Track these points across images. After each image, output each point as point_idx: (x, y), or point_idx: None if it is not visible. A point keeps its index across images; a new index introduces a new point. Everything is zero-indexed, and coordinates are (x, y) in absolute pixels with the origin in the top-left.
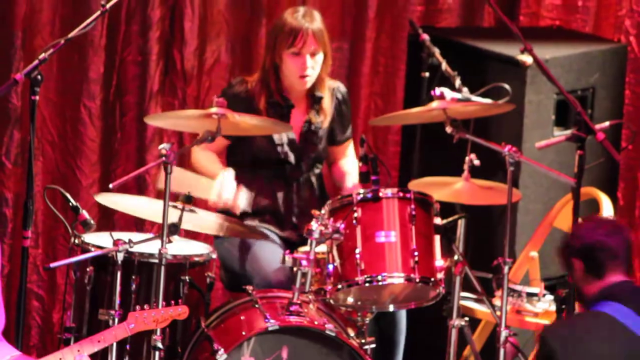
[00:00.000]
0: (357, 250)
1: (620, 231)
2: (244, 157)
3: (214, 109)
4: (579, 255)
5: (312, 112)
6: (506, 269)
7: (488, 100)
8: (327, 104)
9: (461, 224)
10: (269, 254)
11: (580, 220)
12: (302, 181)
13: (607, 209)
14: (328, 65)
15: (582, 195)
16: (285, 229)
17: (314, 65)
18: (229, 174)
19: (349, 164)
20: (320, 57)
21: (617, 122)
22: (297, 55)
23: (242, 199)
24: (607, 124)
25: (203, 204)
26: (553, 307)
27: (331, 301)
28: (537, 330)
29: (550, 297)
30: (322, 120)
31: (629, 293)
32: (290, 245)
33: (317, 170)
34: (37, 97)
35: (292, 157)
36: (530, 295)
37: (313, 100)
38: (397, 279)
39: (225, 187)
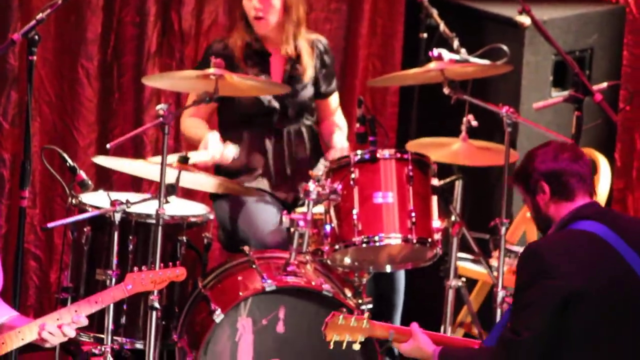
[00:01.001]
0: (355, 211)
1: (582, 155)
2: (233, 114)
3: (211, 70)
4: (547, 179)
5: (290, 62)
6: (503, 229)
7: (486, 62)
8: (307, 56)
9: (458, 184)
10: (266, 215)
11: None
12: (291, 131)
13: (604, 170)
14: (297, 18)
15: None
16: (280, 186)
17: (264, 8)
18: (214, 134)
19: (337, 120)
20: (275, 2)
21: (615, 83)
22: None
23: (230, 151)
24: (604, 85)
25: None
26: None
27: (328, 262)
28: None
29: None
30: (302, 70)
31: (599, 213)
32: (286, 206)
33: (307, 122)
34: (35, 58)
35: (276, 105)
36: None
37: (288, 51)
38: (394, 239)
39: (212, 146)
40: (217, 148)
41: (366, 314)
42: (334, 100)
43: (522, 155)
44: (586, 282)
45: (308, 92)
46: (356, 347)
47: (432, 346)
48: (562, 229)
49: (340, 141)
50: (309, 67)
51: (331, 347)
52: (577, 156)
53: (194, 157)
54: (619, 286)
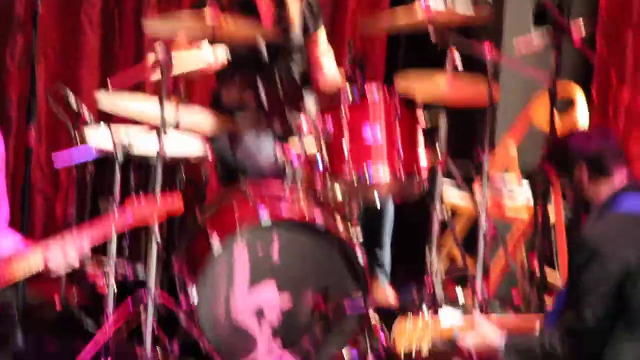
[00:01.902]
0: (345, 148)
1: (611, 135)
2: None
3: (206, 16)
4: (584, 161)
5: (278, 4)
6: (486, 161)
7: (469, 7)
8: None
9: (444, 121)
10: (262, 146)
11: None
12: (282, 69)
13: (581, 105)
14: None
15: (558, 92)
16: (273, 119)
17: None
18: (205, 42)
19: (323, 55)
20: None
21: (592, 23)
22: None
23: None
24: (582, 23)
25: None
26: (530, 196)
27: (320, 196)
28: (516, 220)
29: (527, 187)
30: (289, 11)
31: (637, 187)
32: (279, 137)
33: (296, 59)
34: (39, 5)
35: (266, 50)
36: (508, 185)
37: None
38: (383, 174)
39: (205, 51)
40: (210, 52)
41: (429, 317)
42: (321, 36)
43: (504, 91)
44: (638, 259)
45: (296, 34)
46: (425, 351)
47: (496, 334)
48: (606, 210)
49: (330, 68)
50: (296, 14)
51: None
52: (607, 135)
53: (192, 67)
54: None
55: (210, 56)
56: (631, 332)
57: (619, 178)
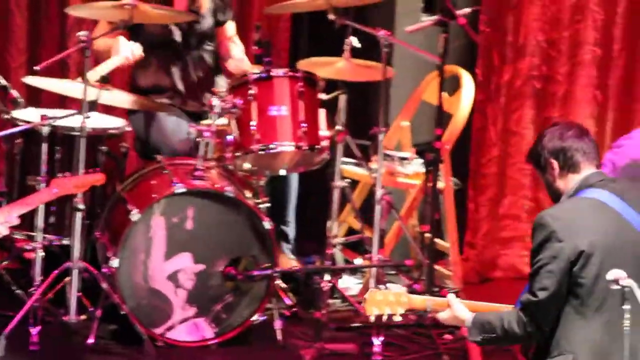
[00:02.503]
0: (253, 123)
1: (586, 132)
2: (140, 41)
3: (126, 0)
4: (554, 155)
5: None
6: (381, 136)
7: None
8: None
9: (343, 98)
10: (175, 126)
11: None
12: (194, 57)
13: (467, 84)
14: None
15: (446, 72)
16: (187, 102)
17: None
18: (121, 38)
19: (234, 44)
20: None
21: (476, 8)
22: None
23: (138, 47)
24: (467, 10)
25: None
26: (422, 169)
27: (230, 167)
28: (408, 188)
29: (419, 160)
30: (201, 2)
31: (603, 181)
32: (194, 117)
33: (208, 48)
34: None
35: (179, 35)
36: (402, 159)
37: None
38: (287, 147)
39: (122, 48)
40: (127, 48)
41: (404, 289)
42: (231, 27)
43: (397, 72)
44: (590, 243)
45: (207, 22)
46: (397, 318)
47: (467, 313)
48: (569, 198)
49: (237, 53)
50: (206, 1)
51: None
52: (581, 133)
53: (110, 63)
54: (622, 246)
55: (127, 51)
56: (581, 313)
57: (588, 174)
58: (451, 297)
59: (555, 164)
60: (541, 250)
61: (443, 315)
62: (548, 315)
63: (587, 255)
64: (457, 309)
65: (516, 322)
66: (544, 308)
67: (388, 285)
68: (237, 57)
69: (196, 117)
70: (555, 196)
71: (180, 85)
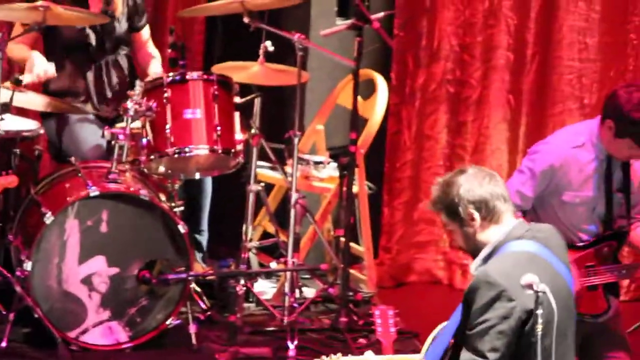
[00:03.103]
0: (167, 126)
1: (495, 175)
2: (55, 44)
3: (39, 2)
4: (476, 206)
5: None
6: (296, 140)
7: None
8: None
9: (257, 102)
10: (87, 132)
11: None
12: (110, 62)
13: (382, 88)
14: None
15: (361, 76)
16: (101, 106)
17: None
18: (37, 54)
19: (150, 50)
20: None
21: (390, 12)
22: None
23: (53, 66)
24: (381, 14)
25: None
26: (336, 173)
27: (145, 170)
28: (322, 192)
29: (334, 164)
30: (115, 7)
31: (532, 230)
32: (107, 123)
33: (122, 52)
34: None
35: (94, 39)
36: (316, 163)
37: None
38: (202, 150)
39: (37, 66)
40: (41, 67)
41: (339, 355)
42: (146, 32)
43: (312, 76)
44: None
45: (122, 26)
46: None
47: None
48: (499, 252)
49: (155, 69)
50: (120, 5)
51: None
52: (493, 177)
53: (25, 79)
54: (560, 299)
55: (40, 70)
56: None
57: (512, 225)
58: (368, 355)
59: (476, 214)
60: (489, 309)
61: None
62: None
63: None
64: None
65: None
66: None
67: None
68: (152, 59)
69: (110, 122)
70: (475, 249)
71: (94, 90)
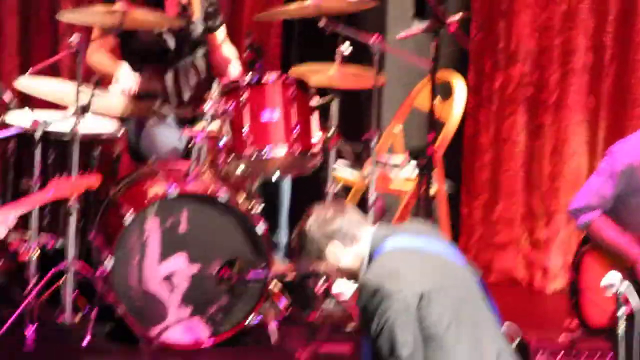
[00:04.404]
0: (245, 127)
1: (345, 206)
2: (134, 50)
3: (117, 6)
4: (331, 239)
5: (181, 4)
6: (374, 141)
7: None
8: None
9: (335, 103)
10: (166, 134)
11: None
12: (187, 64)
13: (459, 89)
14: None
15: (438, 79)
16: (179, 108)
17: None
18: (124, 67)
19: (226, 51)
20: None
21: (467, 14)
22: None
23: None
24: (458, 16)
25: None
26: (414, 174)
27: (223, 171)
28: (400, 193)
29: (412, 165)
30: (192, 10)
31: (395, 227)
32: (185, 123)
33: (199, 54)
34: None
35: (171, 43)
36: (394, 164)
37: None
38: (280, 151)
39: (122, 80)
40: (127, 81)
41: None
42: (221, 33)
43: (388, 78)
44: (424, 284)
45: (199, 28)
46: None
47: None
48: (374, 258)
49: (234, 71)
50: (197, 7)
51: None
52: (341, 209)
53: (112, 90)
54: (447, 277)
55: (127, 83)
56: (444, 351)
57: (373, 232)
58: None
59: (338, 248)
60: (378, 310)
61: None
62: None
63: (429, 293)
64: None
65: None
66: None
67: None
68: (229, 61)
69: (189, 123)
70: (351, 274)
71: (172, 93)
